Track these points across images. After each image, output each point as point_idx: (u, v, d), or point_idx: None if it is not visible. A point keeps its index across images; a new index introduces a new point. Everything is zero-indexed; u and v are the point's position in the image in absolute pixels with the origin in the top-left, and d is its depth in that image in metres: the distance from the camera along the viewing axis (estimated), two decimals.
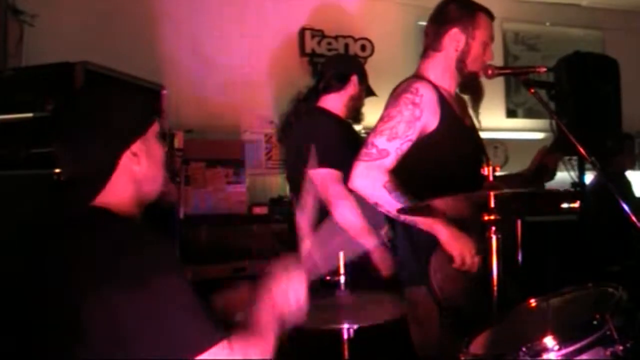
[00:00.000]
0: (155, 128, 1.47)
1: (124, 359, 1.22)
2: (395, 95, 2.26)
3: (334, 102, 2.93)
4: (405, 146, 2.18)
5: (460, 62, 2.31)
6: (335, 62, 3.22)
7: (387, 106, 2.25)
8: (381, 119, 2.23)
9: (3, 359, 1.35)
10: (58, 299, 1.27)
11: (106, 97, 1.45)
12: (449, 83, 2.34)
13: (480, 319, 1.77)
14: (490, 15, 2.36)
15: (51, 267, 1.31)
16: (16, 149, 2.84)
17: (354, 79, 2.96)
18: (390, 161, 2.16)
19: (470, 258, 2.10)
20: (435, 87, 2.27)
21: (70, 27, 4.13)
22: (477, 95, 2.39)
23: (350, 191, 2.29)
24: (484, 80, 2.37)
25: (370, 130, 2.25)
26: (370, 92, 3.11)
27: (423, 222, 2.13)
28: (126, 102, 1.45)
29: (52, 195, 2.14)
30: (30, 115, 2.84)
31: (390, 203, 2.13)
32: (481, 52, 2.32)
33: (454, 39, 2.31)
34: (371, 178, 2.15)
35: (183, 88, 4.33)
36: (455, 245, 2.10)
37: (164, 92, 3.62)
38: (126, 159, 1.40)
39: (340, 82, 2.95)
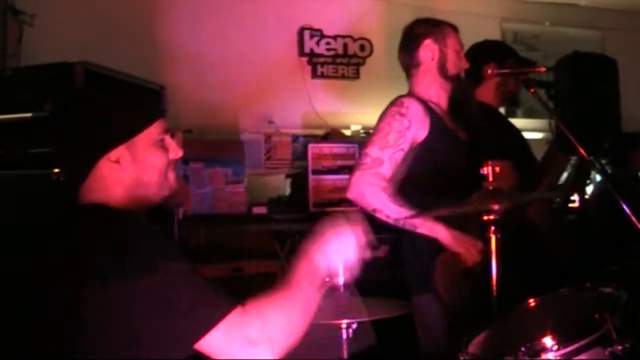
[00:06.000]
0: (150, 135, 1.42)
1: (135, 348, 1.21)
2: (384, 111, 2.32)
3: (483, 92, 2.83)
4: (398, 155, 2.21)
5: (442, 68, 2.38)
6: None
7: (377, 121, 2.31)
8: (372, 133, 2.29)
9: (4, 358, 1.35)
10: (58, 296, 1.27)
11: (91, 103, 1.43)
12: (437, 94, 2.39)
13: (481, 319, 1.78)
14: (454, 29, 2.44)
15: (50, 264, 1.31)
16: (15, 149, 2.83)
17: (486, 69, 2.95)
18: (385, 169, 2.19)
19: (476, 252, 2.13)
20: (422, 101, 2.32)
21: (70, 27, 4.12)
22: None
23: None
24: None
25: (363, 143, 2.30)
26: (523, 62, 2.97)
27: (421, 226, 2.16)
28: (111, 109, 1.40)
29: (50, 194, 2.14)
30: (29, 115, 2.84)
31: (390, 207, 2.14)
32: (456, 59, 2.38)
33: (428, 49, 2.38)
34: (369, 184, 2.17)
35: (182, 88, 4.31)
36: (459, 243, 2.13)
37: (164, 92, 3.62)
38: (105, 166, 1.38)
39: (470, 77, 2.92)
